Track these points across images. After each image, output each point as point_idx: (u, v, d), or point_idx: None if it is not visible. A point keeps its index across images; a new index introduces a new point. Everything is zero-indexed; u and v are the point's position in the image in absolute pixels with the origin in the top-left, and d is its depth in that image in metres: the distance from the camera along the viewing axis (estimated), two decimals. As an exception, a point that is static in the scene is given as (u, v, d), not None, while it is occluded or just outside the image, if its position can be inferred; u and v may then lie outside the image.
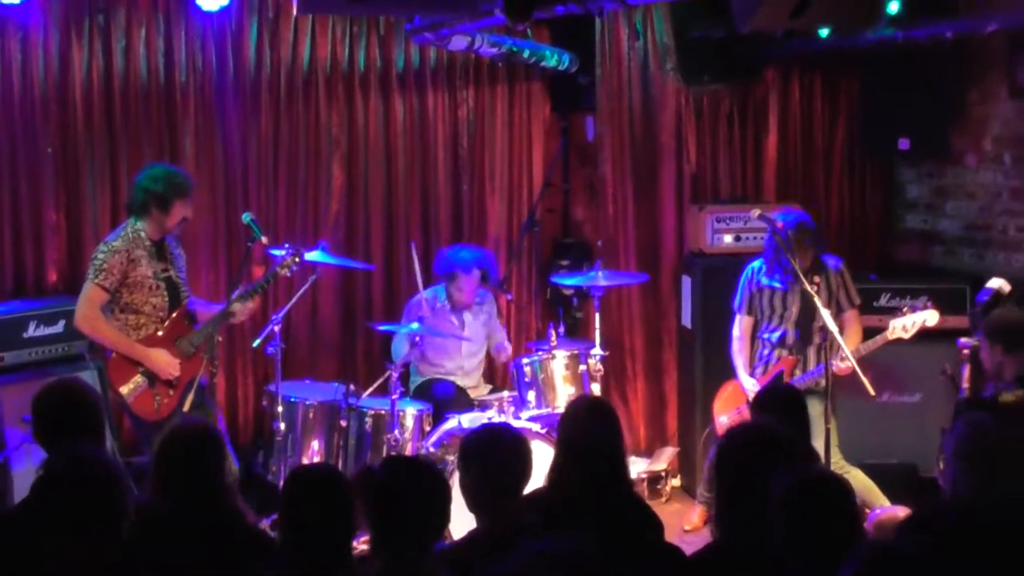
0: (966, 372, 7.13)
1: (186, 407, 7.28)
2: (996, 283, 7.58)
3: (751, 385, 8.10)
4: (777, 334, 8.08)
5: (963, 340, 7.17)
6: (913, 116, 9.07)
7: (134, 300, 7.43)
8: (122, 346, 7.42)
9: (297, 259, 7.71)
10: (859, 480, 7.84)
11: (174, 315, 7.51)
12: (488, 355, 9.29)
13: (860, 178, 10.11)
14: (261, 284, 7.73)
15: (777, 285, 8.07)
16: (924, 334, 7.96)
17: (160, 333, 7.45)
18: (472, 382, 9.03)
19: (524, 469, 4.98)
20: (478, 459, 4.97)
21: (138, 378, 7.40)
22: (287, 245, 7.81)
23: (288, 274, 7.81)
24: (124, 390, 7.39)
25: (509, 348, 9.18)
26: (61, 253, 8.84)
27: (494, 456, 4.95)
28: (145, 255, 7.44)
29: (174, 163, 8.90)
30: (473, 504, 4.94)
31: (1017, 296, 7.69)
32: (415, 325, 8.23)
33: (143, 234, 7.47)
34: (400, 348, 8.61)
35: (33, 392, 7.68)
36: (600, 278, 8.51)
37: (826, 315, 7.37)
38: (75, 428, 5.23)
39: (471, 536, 4.96)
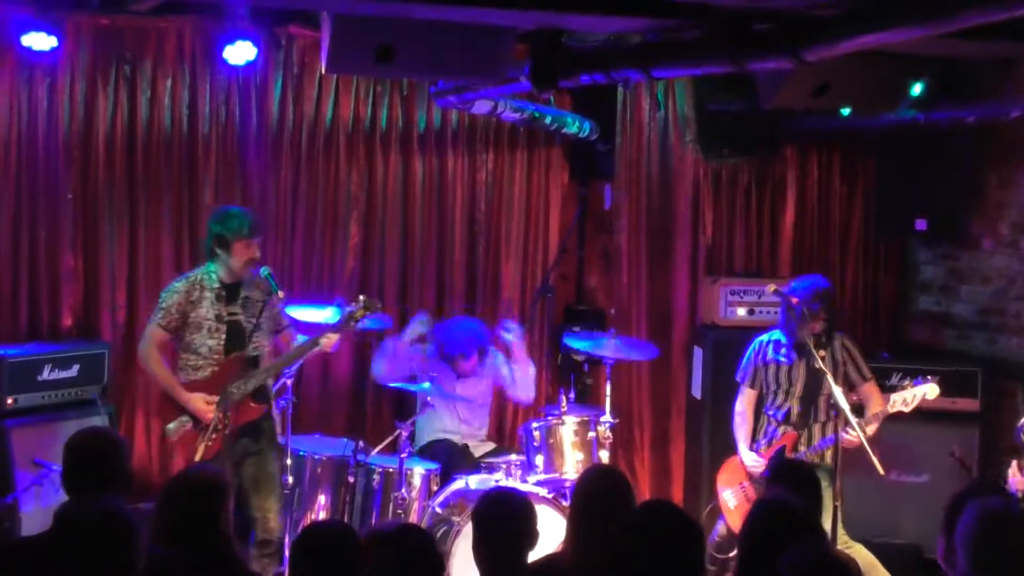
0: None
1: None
2: None
3: (751, 461, 8.07)
4: (783, 411, 8.06)
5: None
6: (931, 197, 9.10)
7: (193, 341, 7.50)
8: (167, 387, 7.51)
9: (368, 311, 7.63)
10: (862, 557, 7.78)
11: (228, 360, 7.50)
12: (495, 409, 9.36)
13: (875, 257, 10.14)
14: (344, 321, 7.65)
15: (783, 360, 8.05)
16: (934, 415, 7.97)
17: (208, 376, 7.49)
18: (475, 432, 9.05)
19: (529, 533, 5.00)
20: (485, 522, 5.00)
21: (184, 418, 7.44)
22: (361, 298, 7.75)
23: (358, 326, 7.73)
24: (171, 427, 7.46)
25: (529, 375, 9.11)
26: (77, 299, 8.86)
27: (500, 520, 4.97)
28: (210, 297, 7.49)
29: (193, 214, 9.01)
30: (480, 565, 4.95)
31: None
32: (426, 385, 8.24)
33: (214, 276, 7.52)
34: (379, 366, 8.75)
35: (44, 435, 7.83)
36: (612, 347, 8.51)
37: (837, 392, 7.36)
38: (105, 479, 5.25)
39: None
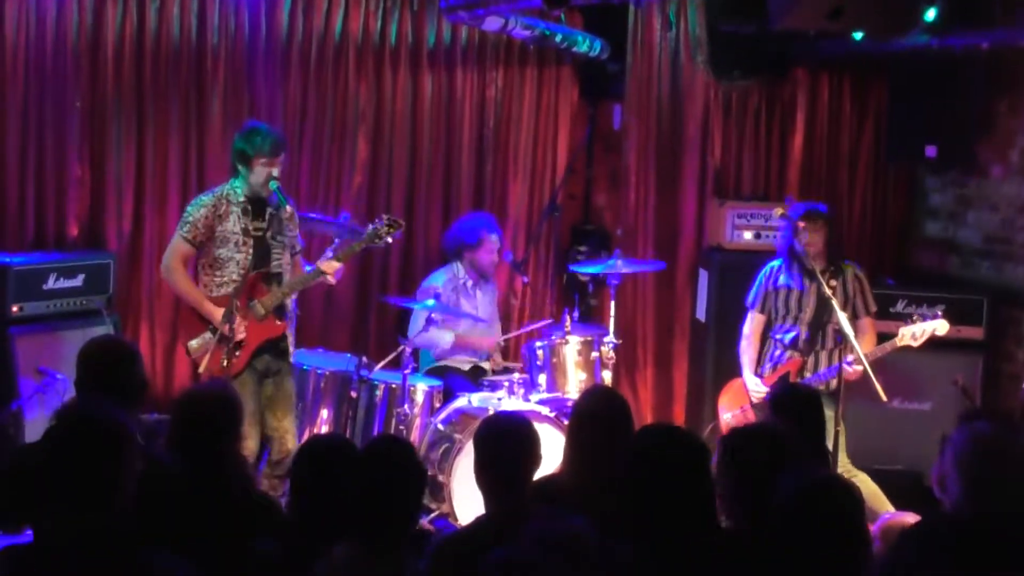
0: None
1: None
2: None
3: (754, 385, 8.06)
4: (791, 335, 8.04)
5: None
6: (941, 124, 9.02)
7: (220, 255, 7.38)
8: (192, 300, 7.42)
9: (391, 229, 7.64)
10: (865, 485, 7.80)
11: (252, 275, 7.37)
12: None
13: (883, 183, 10.09)
14: (353, 247, 7.64)
15: (795, 285, 8.04)
16: (938, 343, 7.95)
17: (232, 292, 7.33)
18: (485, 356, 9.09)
19: (533, 459, 4.99)
20: (489, 447, 4.99)
21: (207, 334, 7.35)
22: (383, 216, 7.73)
23: (382, 244, 7.75)
24: (193, 344, 7.41)
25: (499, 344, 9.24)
26: (83, 207, 8.87)
27: (502, 445, 4.97)
28: (236, 211, 7.40)
29: (200, 125, 9.00)
30: (483, 488, 4.96)
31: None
32: (431, 302, 8.24)
33: (238, 191, 7.43)
34: (431, 339, 8.61)
35: (49, 343, 7.86)
36: (618, 265, 8.51)
37: (842, 317, 7.35)
38: (119, 389, 5.24)
39: (478, 521, 4.98)
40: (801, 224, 7.81)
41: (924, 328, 7.68)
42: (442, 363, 8.85)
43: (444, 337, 8.67)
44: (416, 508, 4.51)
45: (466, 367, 8.90)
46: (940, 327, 7.70)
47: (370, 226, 7.68)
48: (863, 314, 7.98)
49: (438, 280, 8.81)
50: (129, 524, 3.78)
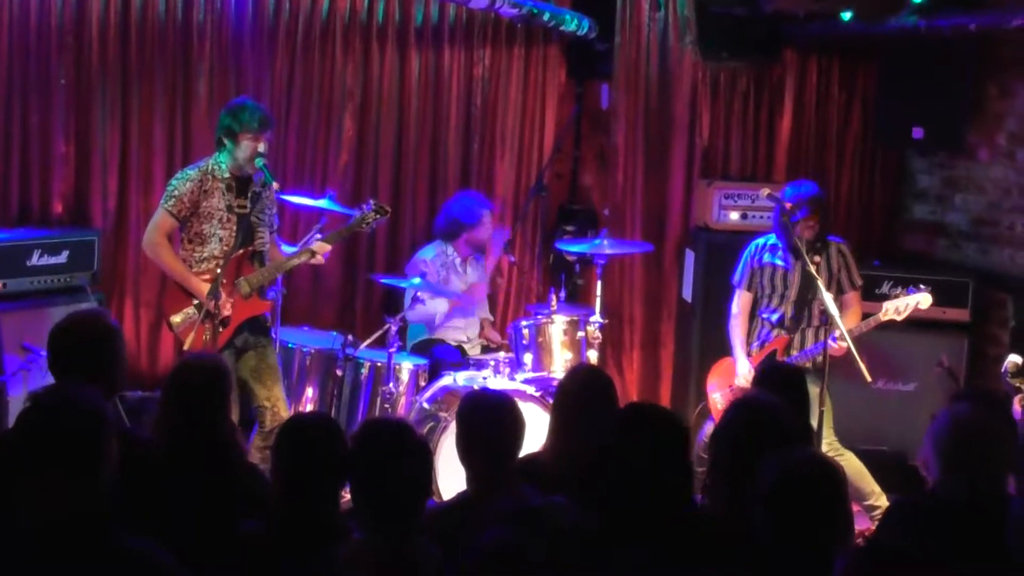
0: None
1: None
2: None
3: (745, 368, 8.05)
4: (776, 314, 8.03)
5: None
6: (929, 106, 9.00)
7: (203, 230, 7.36)
8: (178, 275, 7.39)
9: (379, 215, 7.68)
10: (852, 464, 7.81)
11: (238, 253, 7.37)
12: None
13: (871, 165, 10.08)
14: (341, 231, 7.66)
15: (780, 263, 8.01)
16: (923, 324, 7.97)
17: (219, 269, 7.25)
18: (474, 335, 9.11)
19: (516, 436, 4.98)
20: (471, 424, 4.98)
21: (190, 310, 7.34)
22: (371, 201, 7.75)
23: (369, 229, 7.81)
24: (176, 319, 7.38)
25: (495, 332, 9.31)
26: (68, 185, 8.83)
27: (487, 424, 4.95)
28: (221, 187, 7.38)
29: (186, 103, 8.97)
30: (466, 465, 4.95)
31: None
32: (417, 280, 8.23)
33: (223, 166, 7.41)
34: (426, 312, 8.66)
35: (33, 320, 7.83)
36: (605, 246, 8.49)
37: (827, 296, 7.35)
38: (94, 367, 5.11)
39: (460, 498, 4.97)
40: (807, 216, 7.76)
41: (907, 302, 7.67)
42: (430, 335, 8.85)
43: (439, 306, 8.67)
44: (424, 491, 4.43)
45: (453, 344, 8.90)
46: (924, 300, 7.68)
47: (357, 211, 7.68)
48: (848, 288, 7.98)
49: (428, 254, 8.84)
50: (108, 509, 3.75)
